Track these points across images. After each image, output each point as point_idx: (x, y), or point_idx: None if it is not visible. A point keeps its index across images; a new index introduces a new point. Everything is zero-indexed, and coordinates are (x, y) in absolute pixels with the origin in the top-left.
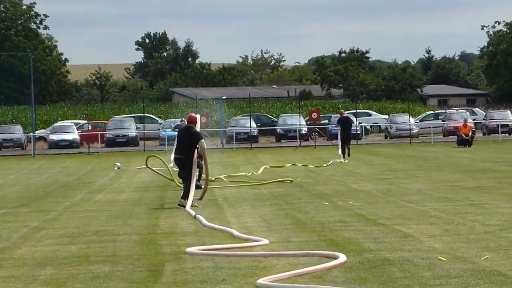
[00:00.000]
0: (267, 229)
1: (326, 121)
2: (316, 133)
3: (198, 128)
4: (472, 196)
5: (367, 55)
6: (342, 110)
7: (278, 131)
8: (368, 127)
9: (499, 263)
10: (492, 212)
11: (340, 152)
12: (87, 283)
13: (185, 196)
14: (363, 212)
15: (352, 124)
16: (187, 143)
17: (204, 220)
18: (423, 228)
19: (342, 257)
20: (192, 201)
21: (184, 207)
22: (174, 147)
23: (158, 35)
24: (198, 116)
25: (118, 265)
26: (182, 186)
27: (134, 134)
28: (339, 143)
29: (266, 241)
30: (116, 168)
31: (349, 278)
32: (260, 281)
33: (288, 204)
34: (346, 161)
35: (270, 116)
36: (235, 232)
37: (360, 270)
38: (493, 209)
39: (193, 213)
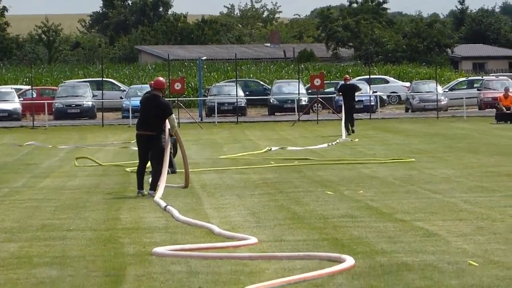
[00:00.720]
0: (255, 224)
1: (332, 89)
2: (319, 104)
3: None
4: None
5: (385, 5)
6: (347, 76)
7: (271, 101)
8: (385, 97)
9: None
10: None
11: (343, 127)
12: None
13: (154, 186)
14: (376, 205)
15: (357, 93)
16: (153, 116)
17: (176, 213)
18: (451, 225)
19: (349, 261)
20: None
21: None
22: (137, 120)
23: None
24: (165, 82)
25: (68, 269)
26: (149, 172)
27: (90, 103)
28: (343, 116)
29: (254, 240)
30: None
31: (357, 286)
32: None
33: (282, 194)
34: (350, 139)
35: (261, 83)
36: (216, 228)
37: (370, 277)
38: None
39: (164, 204)
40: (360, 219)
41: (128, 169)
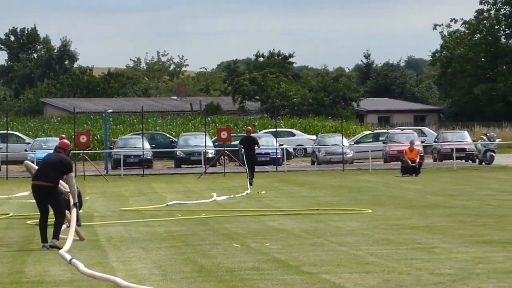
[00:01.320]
0: (162, 278)
1: (238, 141)
2: (226, 157)
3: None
4: (419, 238)
5: (291, 59)
6: (249, 128)
7: (177, 154)
8: (291, 150)
9: None
10: (444, 258)
11: (248, 178)
12: None
13: (57, 235)
14: (283, 257)
15: (257, 145)
16: (52, 168)
17: (82, 266)
18: (357, 277)
19: None
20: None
21: (58, 248)
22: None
23: (26, 32)
24: (69, 144)
25: None
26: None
27: None
28: (247, 168)
29: None
30: None
31: None
32: None
33: (189, 247)
34: (248, 191)
35: (168, 135)
36: (122, 281)
37: None
38: (445, 254)
39: (69, 257)
40: (267, 271)
41: (29, 222)
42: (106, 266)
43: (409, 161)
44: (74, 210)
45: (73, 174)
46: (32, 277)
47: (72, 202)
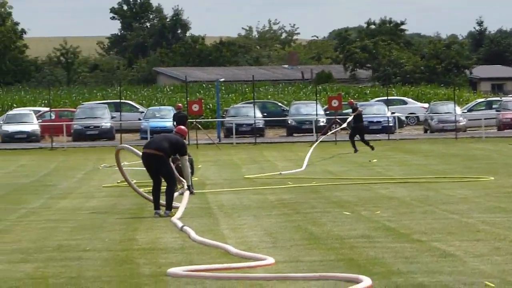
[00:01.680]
0: (272, 245)
1: (350, 110)
2: (337, 125)
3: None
4: None
5: (403, 27)
6: (351, 100)
7: (289, 122)
8: (403, 118)
9: None
10: None
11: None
12: None
13: (169, 206)
14: (393, 225)
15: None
16: (166, 140)
17: (193, 234)
18: (468, 245)
19: (367, 281)
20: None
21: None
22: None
23: (139, 1)
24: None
25: None
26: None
27: (108, 125)
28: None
29: (271, 260)
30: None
31: None
32: None
33: (299, 214)
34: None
35: (279, 104)
36: (232, 249)
37: None
38: None
39: (180, 224)
40: (377, 239)
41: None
42: (217, 233)
43: None
44: (187, 193)
45: (187, 157)
46: (143, 244)
47: (185, 185)
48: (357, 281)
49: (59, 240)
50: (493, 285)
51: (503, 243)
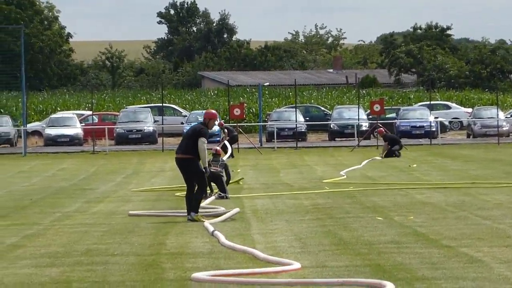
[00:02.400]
0: (300, 250)
1: (394, 114)
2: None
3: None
4: None
5: (449, 32)
6: (381, 129)
7: (331, 126)
8: (447, 123)
9: None
10: None
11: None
12: None
13: (195, 208)
14: (424, 231)
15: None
16: (187, 139)
17: (223, 238)
18: (497, 251)
19: (389, 286)
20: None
21: (195, 221)
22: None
23: (186, 5)
24: (215, 113)
25: None
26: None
27: (151, 128)
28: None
29: (297, 265)
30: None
31: None
32: None
33: (332, 219)
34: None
35: (322, 108)
36: (259, 253)
37: None
38: None
39: (212, 228)
40: (406, 245)
41: (178, 194)
42: (247, 238)
43: None
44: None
45: (204, 139)
46: (172, 248)
47: (203, 166)
48: (380, 287)
49: (88, 244)
50: None
51: None
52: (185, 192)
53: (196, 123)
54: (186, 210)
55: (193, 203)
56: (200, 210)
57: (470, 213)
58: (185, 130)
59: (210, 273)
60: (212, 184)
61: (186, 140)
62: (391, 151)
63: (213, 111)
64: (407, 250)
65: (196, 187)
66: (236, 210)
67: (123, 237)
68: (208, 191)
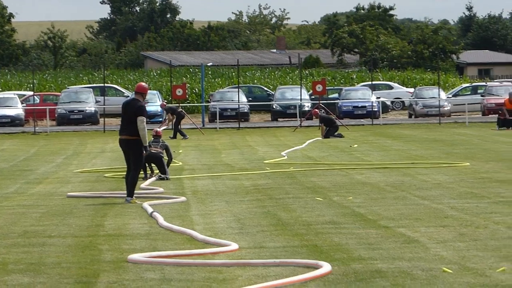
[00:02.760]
0: (238, 231)
1: (336, 94)
2: (322, 110)
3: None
4: (503, 192)
5: (391, 12)
6: (316, 110)
7: (274, 107)
8: (389, 103)
9: None
10: None
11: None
12: None
13: (131, 193)
14: (362, 211)
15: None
16: (130, 119)
17: (161, 219)
18: (433, 231)
19: (326, 267)
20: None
21: (137, 204)
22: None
23: None
24: (146, 86)
25: (41, 276)
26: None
27: (92, 109)
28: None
29: (235, 246)
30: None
31: None
32: None
33: (272, 200)
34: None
35: (265, 89)
36: (197, 235)
37: (342, 284)
38: None
39: (150, 209)
40: (344, 225)
41: (107, 175)
42: (185, 219)
43: (506, 112)
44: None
45: (142, 118)
46: (109, 230)
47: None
48: (316, 267)
49: (26, 226)
50: (450, 271)
51: (468, 229)
52: (125, 173)
53: (132, 98)
54: (125, 191)
55: (128, 187)
56: (139, 191)
57: (409, 193)
58: None
59: (147, 254)
60: (153, 164)
61: (128, 120)
62: (329, 131)
63: (144, 84)
64: (345, 230)
65: (132, 169)
66: (183, 199)
67: (61, 219)
68: (149, 172)
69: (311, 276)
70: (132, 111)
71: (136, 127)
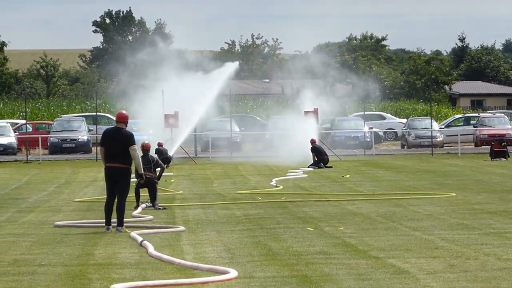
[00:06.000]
0: (229, 260)
1: (328, 124)
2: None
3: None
4: (494, 223)
5: (384, 42)
6: (314, 138)
7: (266, 136)
8: (381, 134)
9: None
10: None
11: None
12: None
13: (121, 222)
14: (353, 241)
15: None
16: (121, 148)
17: (151, 249)
18: (424, 262)
19: None
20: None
21: (127, 234)
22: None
23: (121, 14)
24: (126, 113)
25: None
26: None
27: (85, 138)
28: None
29: (234, 273)
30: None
31: None
32: None
33: (263, 230)
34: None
35: (258, 118)
36: (186, 262)
37: None
38: None
39: (140, 239)
40: (334, 256)
41: (77, 200)
42: (176, 249)
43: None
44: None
45: (135, 146)
46: (100, 259)
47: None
48: None
49: (16, 255)
50: None
51: (459, 260)
52: (105, 203)
53: (114, 126)
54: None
55: (118, 217)
56: (129, 219)
57: (400, 224)
58: None
59: (131, 284)
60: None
61: (118, 148)
62: (316, 162)
63: (124, 112)
64: (335, 261)
65: (118, 198)
66: (182, 228)
67: (52, 248)
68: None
69: None
70: (124, 140)
71: (127, 155)
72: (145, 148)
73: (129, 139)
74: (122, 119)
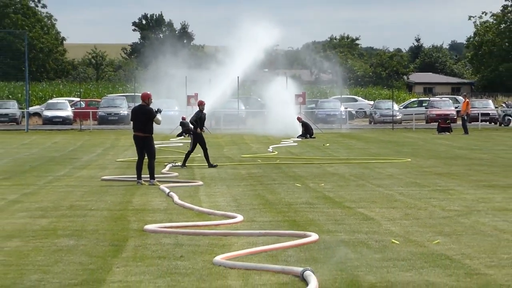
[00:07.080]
0: (235, 208)
1: (313, 105)
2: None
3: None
4: (440, 182)
5: (357, 42)
6: (300, 116)
7: (265, 113)
8: (354, 112)
9: (448, 248)
10: (456, 198)
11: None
12: (49, 255)
13: (152, 175)
14: (331, 195)
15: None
16: (144, 120)
17: (176, 198)
18: (385, 211)
19: (313, 237)
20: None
21: (157, 186)
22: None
23: (154, 17)
24: (148, 93)
25: (83, 239)
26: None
27: (125, 112)
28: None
29: (238, 219)
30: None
31: (302, 258)
32: (217, 258)
33: (262, 185)
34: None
35: (259, 99)
36: (204, 209)
37: (314, 251)
38: (457, 195)
39: (167, 190)
40: (317, 205)
41: (119, 159)
42: (195, 199)
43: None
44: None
45: (158, 116)
46: (136, 205)
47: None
48: (305, 236)
49: (72, 201)
50: (397, 242)
51: (412, 210)
52: (136, 162)
53: (137, 105)
54: (136, 176)
55: (150, 172)
56: (159, 176)
57: (368, 182)
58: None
59: (160, 225)
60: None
61: (141, 122)
62: (303, 134)
63: (147, 92)
64: (317, 209)
65: (148, 158)
66: (200, 183)
67: (99, 196)
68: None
69: (290, 245)
70: (146, 113)
71: (148, 127)
72: (200, 104)
73: (151, 113)
74: (144, 98)
